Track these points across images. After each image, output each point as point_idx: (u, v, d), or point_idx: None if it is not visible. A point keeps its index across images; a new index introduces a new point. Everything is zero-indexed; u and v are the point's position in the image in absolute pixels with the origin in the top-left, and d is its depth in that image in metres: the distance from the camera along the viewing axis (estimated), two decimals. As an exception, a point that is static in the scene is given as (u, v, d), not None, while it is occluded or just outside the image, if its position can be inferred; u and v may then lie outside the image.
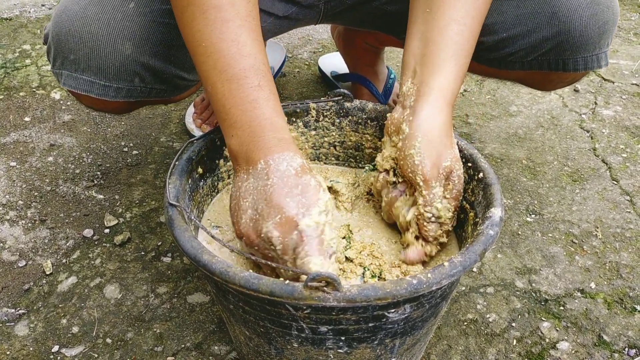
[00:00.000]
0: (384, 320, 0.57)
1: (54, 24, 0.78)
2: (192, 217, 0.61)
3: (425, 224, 0.69)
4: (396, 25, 1.00)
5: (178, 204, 0.62)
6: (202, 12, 0.64)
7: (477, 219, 0.68)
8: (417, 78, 0.70)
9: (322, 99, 0.82)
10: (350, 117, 0.83)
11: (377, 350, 0.62)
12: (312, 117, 0.83)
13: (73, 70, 0.78)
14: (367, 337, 0.59)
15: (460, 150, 0.73)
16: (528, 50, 0.84)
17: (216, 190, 0.79)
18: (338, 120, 0.83)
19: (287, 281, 0.53)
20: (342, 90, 0.81)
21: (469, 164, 0.73)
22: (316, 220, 0.57)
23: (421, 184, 0.68)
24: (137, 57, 0.76)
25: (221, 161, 0.77)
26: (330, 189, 0.80)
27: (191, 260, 0.57)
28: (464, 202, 0.73)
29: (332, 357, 0.62)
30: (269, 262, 0.57)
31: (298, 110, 0.82)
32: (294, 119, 0.82)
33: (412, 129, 0.68)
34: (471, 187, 0.72)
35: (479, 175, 0.70)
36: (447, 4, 0.70)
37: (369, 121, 0.83)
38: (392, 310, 0.56)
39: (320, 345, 0.60)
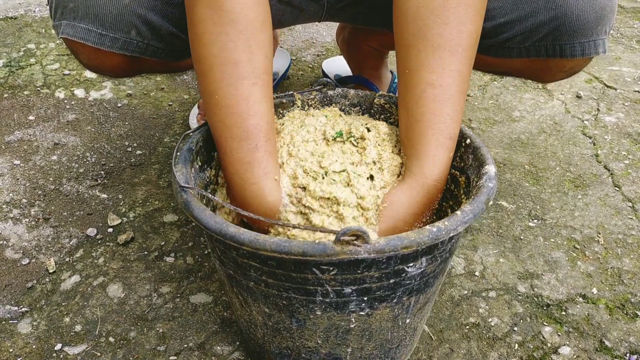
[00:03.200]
0: (403, 275, 0.60)
1: None
2: (208, 195, 0.62)
3: None
4: None
5: (190, 186, 0.62)
6: (219, 65, 0.66)
7: (471, 180, 0.71)
8: (405, 151, 0.72)
9: (305, 89, 0.84)
10: (333, 105, 0.85)
11: (395, 310, 0.65)
12: (298, 107, 0.85)
13: (71, 18, 0.79)
14: (387, 296, 0.62)
15: None
16: (525, 36, 0.84)
17: (215, 182, 0.79)
18: (322, 108, 0.85)
19: (317, 240, 0.55)
20: (324, 79, 0.83)
21: None
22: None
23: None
24: (135, 8, 0.77)
25: (215, 153, 0.78)
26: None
27: (217, 236, 0.58)
28: (453, 170, 0.76)
29: (353, 321, 0.64)
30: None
31: (284, 101, 0.84)
32: (281, 110, 0.84)
33: (385, 196, 0.70)
34: (459, 154, 0.75)
35: (466, 142, 0.74)
36: (422, 66, 0.68)
37: (352, 107, 0.85)
38: (411, 264, 0.60)
39: (343, 309, 0.62)
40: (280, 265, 0.59)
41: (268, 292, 0.63)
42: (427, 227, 0.57)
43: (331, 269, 0.57)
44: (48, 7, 0.84)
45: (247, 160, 0.67)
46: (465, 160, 0.74)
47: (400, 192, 0.69)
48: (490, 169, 0.68)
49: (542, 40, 0.84)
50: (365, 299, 0.62)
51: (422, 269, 0.62)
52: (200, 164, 0.74)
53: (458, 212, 0.60)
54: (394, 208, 0.68)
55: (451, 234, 0.58)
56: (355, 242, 0.54)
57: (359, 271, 0.58)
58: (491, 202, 0.94)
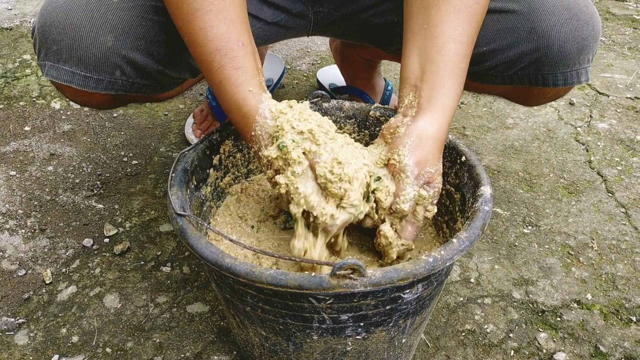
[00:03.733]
0: (400, 301, 0.60)
1: (40, 16, 0.80)
2: (205, 224, 0.62)
3: (390, 215, 0.70)
4: (383, 38, 1.01)
5: (186, 213, 0.62)
6: (177, 7, 0.71)
7: (466, 200, 0.71)
8: (419, 93, 0.72)
9: (301, 102, 0.84)
10: (328, 117, 0.85)
11: (392, 332, 0.65)
12: None
13: (55, 60, 0.79)
14: (383, 320, 0.62)
15: None
16: (508, 65, 0.85)
17: (212, 199, 0.79)
18: None
19: (313, 273, 0.55)
20: (320, 92, 0.83)
21: (450, 149, 0.76)
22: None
23: (401, 176, 0.69)
24: (118, 49, 0.78)
25: (211, 170, 0.78)
26: None
27: (212, 266, 0.58)
28: (449, 186, 0.77)
29: (350, 344, 0.64)
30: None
31: None
32: None
33: (408, 130, 0.70)
34: (454, 170, 0.76)
35: (461, 159, 0.74)
36: (445, 22, 0.72)
37: (347, 119, 0.86)
38: (407, 291, 0.60)
39: (339, 334, 0.63)
40: (276, 295, 0.59)
41: (264, 317, 0.63)
42: (423, 257, 0.57)
43: (327, 298, 0.57)
44: (32, 45, 0.85)
45: (217, 81, 0.69)
46: (461, 178, 0.74)
47: (427, 124, 0.70)
48: (486, 190, 0.67)
49: (524, 70, 0.84)
50: (362, 324, 0.62)
51: (419, 294, 0.62)
52: (195, 183, 0.74)
53: (454, 240, 0.60)
54: (423, 139, 0.69)
55: (447, 263, 0.58)
56: (351, 275, 0.54)
57: (355, 300, 0.58)
58: (487, 227, 0.95)
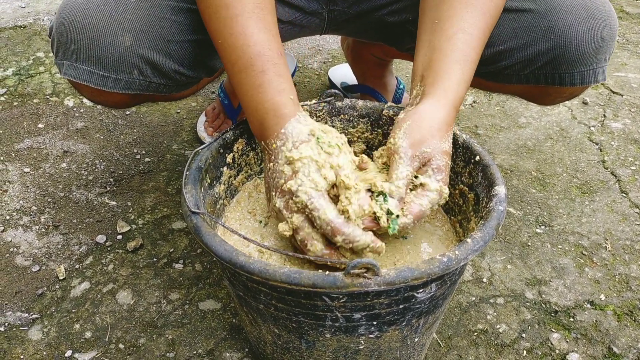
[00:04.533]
0: (413, 300, 0.60)
1: (58, 16, 0.80)
2: (219, 222, 0.62)
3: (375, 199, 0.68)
4: (397, 37, 1.01)
5: (200, 211, 0.63)
6: (214, 12, 0.71)
7: (480, 199, 0.71)
8: (424, 81, 0.72)
9: (314, 100, 0.84)
10: (342, 116, 0.85)
11: (404, 332, 0.65)
12: None
13: (74, 60, 0.79)
14: (396, 320, 0.62)
15: (454, 137, 0.76)
16: (524, 64, 0.84)
17: (225, 197, 0.80)
18: (330, 120, 0.85)
19: (327, 272, 0.55)
20: (333, 90, 0.83)
21: (464, 149, 0.76)
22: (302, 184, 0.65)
23: (394, 157, 0.68)
24: (136, 49, 0.78)
25: (225, 169, 0.78)
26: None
27: (226, 264, 0.58)
28: (462, 186, 0.76)
29: (362, 343, 0.64)
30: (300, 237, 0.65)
31: None
32: None
33: (406, 115, 0.70)
34: (468, 170, 0.75)
35: (475, 159, 0.74)
36: (456, 16, 0.72)
37: (360, 118, 0.86)
38: (421, 290, 0.59)
39: (352, 332, 0.63)
40: (290, 293, 0.59)
41: (277, 315, 0.63)
42: (438, 256, 0.57)
43: (341, 297, 0.57)
44: (50, 45, 0.85)
45: (257, 84, 0.69)
46: (475, 178, 0.74)
47: (427, 106, 0.70)
48: (501, 190, 0.67)
49: (541, 69, 0.84)
50: (375, 323, 0.62)
51: (432, 294, 0.62)
52: (209, 181, 0.74)
53: (469, 240, 0.59)
54: (420, 120, 0.69)
55: (461, 263, 0.58)
56: (365, 274, 0.54)
57: (369, 299, 0.58)
58: (501, 227, 0.94)
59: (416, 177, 0.68)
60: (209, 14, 0.72)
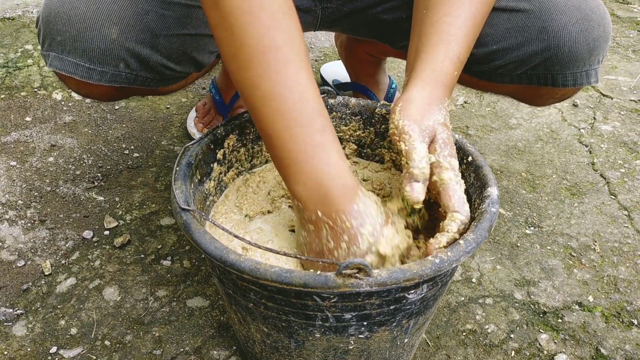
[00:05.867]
0: (404, 301, 0.60)
1: (45, 7, 0.79)
2: (209, 219, 0.61)
3: (414, 184, 0.64)
4: (391, 34, 1.01)
5: (190, 208, 0.62)
6: (261, 53, 0.61)
7: (472, 200, 0.70)
8: (410, 68, 0.71)
9: None
10: (334, 113, 0.85)
11: (394, 332, 0.65)
12: None
13: (59, 51, 0.78)
14: (387, 320, 0.62)
15: None
16: (517, 64, 0.84)
17: (214, 194, 0.79)
18: None
19: (319, 272, 0.55)
20: (325, 87, 0.83)
21: (457, 150, 0.74)
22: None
23: (404, 137, 0.64)
24: (123, 42, 0.77)
25: (215, 165, 0.77)
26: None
27: (216, 262, 0.57)
28: None
29: (352, 343, 0.64)
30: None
31: None
32: None
33: (396, 102, 0.68)
34: (460, 170, 0.74)
35: (468, 159, 0.73)
36: (441, 3, 0.72)
37: (352, 116, 0.85)
38: (412, 291, 0.59)
39: (342, 332, 0.62)
40: (280, 291, 0.58)
41: (267, 313, 0.63)
42: (430, 258, 0.56)
43: (332, 297, 0.57)
44: (37, 35, 0.83)
45: (316, 143, 0.61)
46: (467, 178, 0.73)
47: (414, 88, 0.67)
48: (493, 191, 0.66)
49: (534, 69, 0.84)
50: (365, 323, 0.61)
51: (423, 295, 0.61)
52: (199, 177, 0.73)
53: (461, 242, 0.59)
54: (411, 100, 0.66)
55: (454, 265, 0.57)
56: (357, 275, 0.53)
57: (360, 299, 0.58)
58: (493, 229, 0.94)
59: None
60: (249, 54, 0.62)
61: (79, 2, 0.76)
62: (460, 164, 0.75)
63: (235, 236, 0.58)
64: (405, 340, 0.69)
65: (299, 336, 0.64)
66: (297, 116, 0.61)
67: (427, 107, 0.66)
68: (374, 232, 0.62)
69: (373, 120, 0.84)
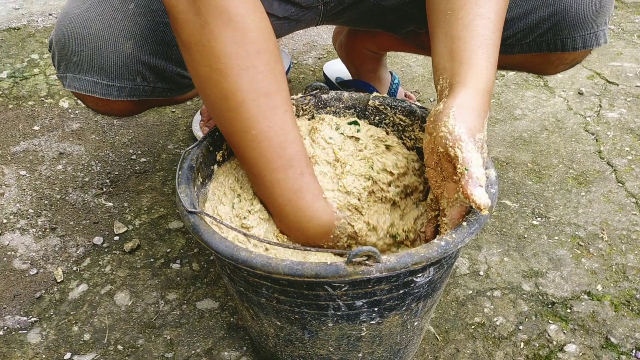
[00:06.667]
0: (412, 285, 0.61)
1: (57, 29, 0.80)
2: (217, 220, 0.62)
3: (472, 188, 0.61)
4: (394, 21, 1.01)
5: (197, 210, 0.63)
6: (252, 99, 0.64)
7: None
8: (448, 72, 0.68)
9: (300, 94, 0.84)
10: (328, 108, 0.86)
11: (404, 316, 0.67)
12: (293, 112, 0.85)
13: (76, 71, 0.79)
14: (397, 305, 0.63)
15: None
16: (526, 32, 0.84)
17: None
18: (317, 112, 0.86)
19: (329, 261, 0.57)
20: (318, 83, 0.84)
21: None
22: None
23: (460, 144, 0.62)
24: (139, 55, 0.78)
25: (215, 167, 0.78)
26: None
27: (228, 260, 0.58)
28: None
29: (364, 329, 0.65)
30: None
31: None
32: None
33: (446, 105, 0.65)
34: None
35: None
36: (470, 2, 0.70)
37: (346, 110, 0.86)
38: (420, 275, 0.61)
39: (354, 320, 0.64)
40: (292, 284, 0.60)
41: (280, 307, 0.64)
42: (435, 241, 0.58)
43: (343, 285, 0.58)
44: (50, 55, 0.84)
45: (296, 188, 0.68)
46: None
47: (462, 96, 0.65)
48: (491, 173, 0.68)
49: (542, 36, 0.84)
50: (376, 309, 0.63)
51: (430, 277, 0.63)
52: (201, 180, 0.74)
53: (464, 224, 0.61)
54: (463, 108, 0.64)
55: (459, 246, 0.59)
56: (366, 262, 0.55)
57: (370, 286, 0.59)
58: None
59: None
60: (242, 99, 0.64)
61: (91, 21, 0.77)
62: None
63: (245, 234, 0.60)
64: (415, 324, 0.71)
65: (312, 327, 0.65)
66: (281, 162, 0.67)
67: (480, 118, 0.64)
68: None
69: (367, 113, 0.85)
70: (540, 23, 0.83)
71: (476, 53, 0.68)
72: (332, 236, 0.73)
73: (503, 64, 0.97)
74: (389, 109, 0.83)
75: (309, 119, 0.86)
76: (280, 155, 0.67)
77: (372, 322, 0.65)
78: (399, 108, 0.82)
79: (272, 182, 0.69)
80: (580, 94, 1.45)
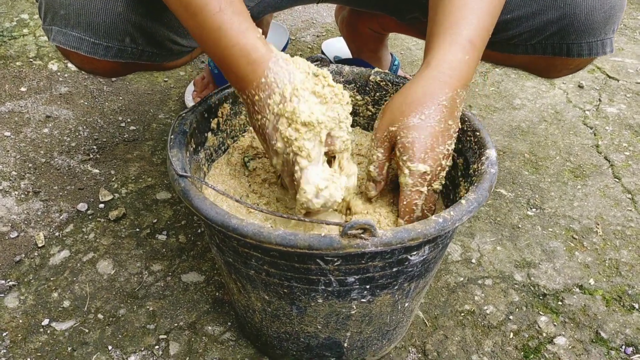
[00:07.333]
0: (406, 263, 0.60)
1: None
2: (209, 185, 0.60)
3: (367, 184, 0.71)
4: (398, 5, 0.98)
5: (188, 174, 0.60)
6: None
7: (471, 164, 0.70)
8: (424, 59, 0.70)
9: None
10: None
11: (396, 296, 0.65)
12: None
13: (63, 25, 0.75)
14: (389, 283, 0.62)
15: None
16: (532, 33, 0.82)
17: (210, 162, 0.77)
18: None
19: (323, 233, 0.54)
20: (319, 55, 0.81)
21: None
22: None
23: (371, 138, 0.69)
24: (129, 15, 0.74)
25: (209, 134, 0.76)
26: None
27: (218, 227, 0.56)
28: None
29: (354, 307, 0.64)
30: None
31: None
32: None
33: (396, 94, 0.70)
34: (458, 135, 0.73)
35: (465, 124, 0.73)
36: None
37: (346, 84, 0.84)
38: (415, 253, 0.59)
39: (345, 297, 0.62)
40: (283, 256, 0.57)
41: (269, 280, 0.62)
42: (433, 217, 0.56)
43: (335, 259, 0.56)
44: (37, 9, 0.81)
45: (216, 26, 0.62)
46: (464, 143, 0.73)
47: (410, 82, 0.68)
48: (492, 153, 0.67)
49: (548, 39, 0.82)
50: (368, 287, 0.61)
51: (425, 256, 0.61)
52: (194, 146, 0.72)
53: (463, 201, 0.59)
54: (398, 97, 0.68)
55: (456, 224, 0.57)
56: (362, 235, 0.53)
57: (363, 261, 0.57)
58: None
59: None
60: None
61: None
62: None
63: (237, 200, 0.57)
64: (406, 305, 0.69)
65: (301, 302, 0.63)
66: (196, 3, 0.62)
67: (405, 108, 0.66)
68: (283, 100, 0.61)
69: (367, 88, 0.82)
70: (547, 25, 0.80)
71: (442, 36, 0.68)
72: (264, 80, 0.63)
73: (506, 63, 0.95)
74: (390, 85, 0.81)
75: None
76: None
77: (362, 300, 0.63)
78: (401, 85, 0.80)
79: (195, 28, 0.64)
80: (581, 87, 1.44)
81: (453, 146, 0.68)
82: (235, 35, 0.62)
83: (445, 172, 0.68)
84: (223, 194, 0.58)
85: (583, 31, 0.79)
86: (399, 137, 0.66)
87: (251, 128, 0.81)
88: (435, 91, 0.66)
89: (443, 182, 0.68)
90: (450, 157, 0.69)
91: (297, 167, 0.62)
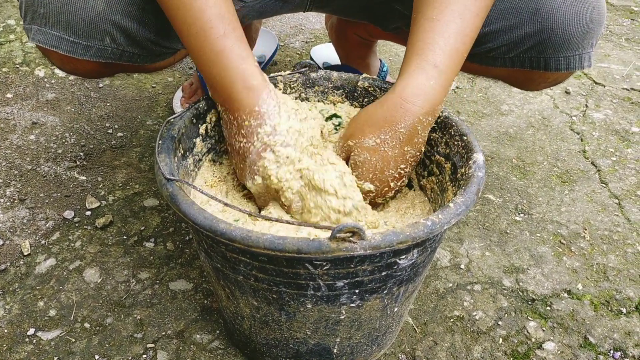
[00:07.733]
0: (395, 267, 0.60)
1: None
2: (198, 188, 0.59)
3: None
4: (382, 15, 0.98)
5: (176, 178, 0.60)
6: None
7: (458, 168, 0.71)
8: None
9: (288, 71, 0.82)
10: (316, 87, 0.84)
11: (385, 300, 0.65)
12: (280, 89, 0.83)
13: (42, 24, 0.75)
14: (378, 287, 0.62)
15: None
16: (509, 47, 0.82)
17: (198, 169, 0.77)
18: (305, 91, 0.84)
19: (312, 237, 0.54)
20: (307, 61, 0.81)
21: (441, 119, 0.75)
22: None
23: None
24: (109, 15, 0.73)
25: (197, 140, 0.75)
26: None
27: (206, 232, 0.55)
28: (439, 156, 0.76)
29: (344, 312, 0.63)
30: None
31: None
32: None
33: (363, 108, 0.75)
34: (445, 139, 0.75)
35: (453, 128, 0.73)
36: (427, 5, 0.71)
37: (335, 90, 0.84)
38: (404, 257, 0.59)
39: (334, 302, 0.61)
40: (271, 261, 0.57)
41: (257, 286, 0.61)
42: (422, 221, 0.56)
43: (324, 264, 0.56)
44: (18, 8, 0.80)
45: (218, 49, 0.66)
46: (452, 147, 0.73)
47: (376, 103, 0.71)
48: (479, 157, 0.67)
49: (526, 52, 0.82)
50: (357, 291, 0.61)
51: (414, 260, 0.61)
52: (182, 152, 0.71)
53: (451, 205, 0.59)
54: (361, 114, 0.72)
55: (445, 227, 0.57)
56: (351, 238, 0.53)
57: (352, 265, 0.57)
58: (481, 192, 0.93)
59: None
60: None
61: None
62: (444, 134, 0.75)
63: (226, 204, 0.56)
64: (395, 310, 0.69)
65: (290, 308, 0.63)
66: (200, 24, 0.66)
67: (364, 128, 0.71)
68: (272, 132, 0.67)
69: (355, 94, 0.82)
70: (525, 39, 0.80)
71: (408, 62, 0.70)
72: (257, 109, 0.68)
73: (485, 74, 0.95)
74: (378, 90, 0.81)
75: (295, 98, 0.83)
76: (199, 18, 0.66)
77: (352, 304, 0.62)
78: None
79: (195, 46, 0.67)
80: (567, 93, 1.45)
81: (409, 169, 0.73)
82: (236, 59, 0.66)
83: (393, 192, 0.74)
84: (212, 197, 0.57)
85: (560, 45, 0.79)
86: (352, 154, 0.71)
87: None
88: (395, 118, 0.68)
89: (391, 195, 0.74)
90: (405, 178, 0.74)
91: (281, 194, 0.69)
